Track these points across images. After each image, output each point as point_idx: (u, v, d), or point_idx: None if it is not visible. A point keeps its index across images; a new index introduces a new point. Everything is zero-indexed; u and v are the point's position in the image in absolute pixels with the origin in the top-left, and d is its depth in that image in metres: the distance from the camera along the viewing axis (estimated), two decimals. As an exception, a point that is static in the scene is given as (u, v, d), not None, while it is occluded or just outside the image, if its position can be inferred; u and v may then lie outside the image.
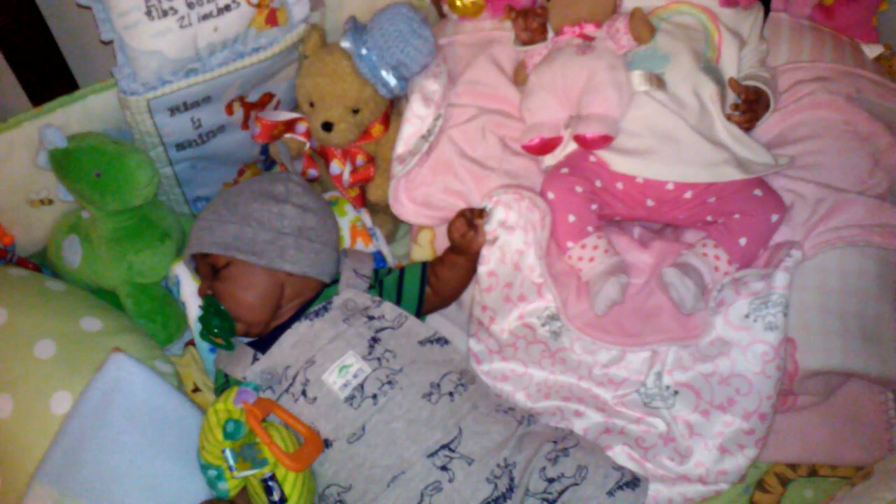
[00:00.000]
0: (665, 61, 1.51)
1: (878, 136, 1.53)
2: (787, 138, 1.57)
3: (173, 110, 1.50)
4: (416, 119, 1.56)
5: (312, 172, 1.69)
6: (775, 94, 1.56)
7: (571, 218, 1.47)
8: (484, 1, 1.71)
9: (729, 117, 1.51)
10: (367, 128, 1.64)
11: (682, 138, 1.47)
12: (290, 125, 1.64)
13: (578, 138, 1.49)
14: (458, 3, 1.71)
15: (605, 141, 1.47)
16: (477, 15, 1.74)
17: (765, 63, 1.62)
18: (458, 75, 1.64)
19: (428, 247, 1.57)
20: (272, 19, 1.52)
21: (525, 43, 1.60)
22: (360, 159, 1.66)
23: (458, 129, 1.58)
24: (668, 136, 1.47)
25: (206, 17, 1.43)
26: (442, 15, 1.76)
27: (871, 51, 1.68)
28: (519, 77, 1.64)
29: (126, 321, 1.49)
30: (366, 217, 1.63)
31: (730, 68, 1.54)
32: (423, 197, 1.55)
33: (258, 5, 1.48)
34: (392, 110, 1.67)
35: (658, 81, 1.48)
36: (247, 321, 1.38)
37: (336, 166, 1.65)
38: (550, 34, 1.59)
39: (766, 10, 1.67)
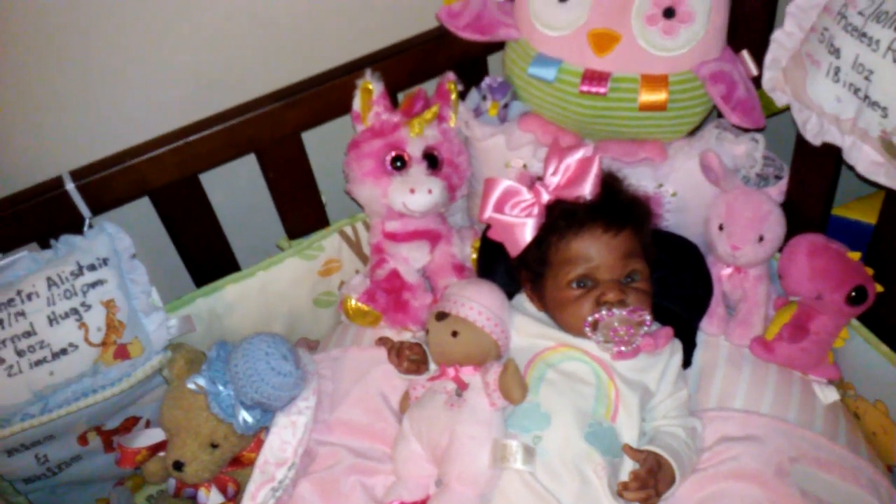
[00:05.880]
0: (545, 422, 1.29)
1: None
2: (703, 514, 1.29)
3: (11, 451, 1.41)
4: (268, 467, 1.40)
5: (189, 491, 1.56)
6: (687, 462, 1.29)
7: None
8: (377, 312, 1.57)
9: (621, 494, 1.25)
10: (237, 455, 1.50)
11: (555, 529, 1.22)
12: (157, 448, 1.52)
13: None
14: (349, 309, 1.57)
15: (463, 522, 1.25)
16: (375, 325, 1.60)
17: (687, 408, 1.36)
18: (338, 402, 1.49)
19: None
20: (122, 353, 1.42)
21: (405, 373, 1.43)
22: (230, 489, 1.51)
23: (315, 478, 1.39)
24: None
25: (38, 363, 1.35)
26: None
27: (826, 395, 1.38)
28: (403, 406, 1.46)
29: None
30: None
31: (628, 428, 1.30)
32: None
33: (102, 343, 1.39)
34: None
35: (529, 455, 1.25)
36: None
37: (202, 495, 1.51)
38: (433, 367, 1.42)
39: (690, 344, 1.43)
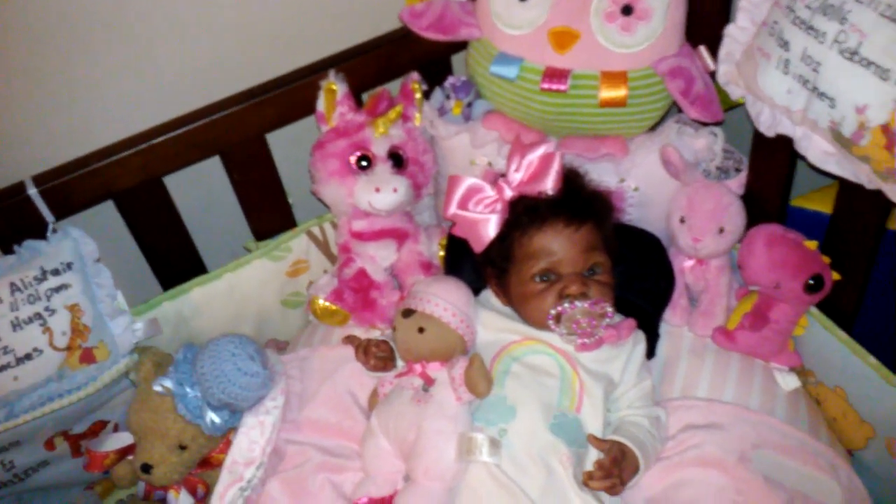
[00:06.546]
0: (510, 414, 1.30)
1: (771, 516, 1.24)
2: (669, 501, 1.30)
3: (-24, 458, 1.40)
4: (236, 467, 1.39)
5: (159, 494, 1.55)
6: (651, 451, 1.31)
7: None
8: (345, 311, 1.57)
9: (586, 483, 1.26)
10: (206, 456, 1.49)
11: (522, 519, 1.23)
12: (125, 451, 1.51)
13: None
14: (317, 309, 1.57)
15: (432, 514, 1.26)
16: (343, 324, 1.60)
17: (651, 398, 1.38)
18: (306, 401, 1.49)
19: None
20: (88, 357, 1.41)
21: (373, 370, 1.44)
22: (200, 490, 1.50)
23: (284, 477, 1.39)
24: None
25: (3, 368, 1.35)
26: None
27: (787, 383, 1.41)
28: (372, 403, 1.47)
29: None
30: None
31: (593, 419, 1.31)
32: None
33: (67, 348, 1.39)
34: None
35: (495, 447, 1.26)
36: None
37: (172, 498, 1.50)
38: (400, 363, 1.43)
39: (653, 335, 1.45)
